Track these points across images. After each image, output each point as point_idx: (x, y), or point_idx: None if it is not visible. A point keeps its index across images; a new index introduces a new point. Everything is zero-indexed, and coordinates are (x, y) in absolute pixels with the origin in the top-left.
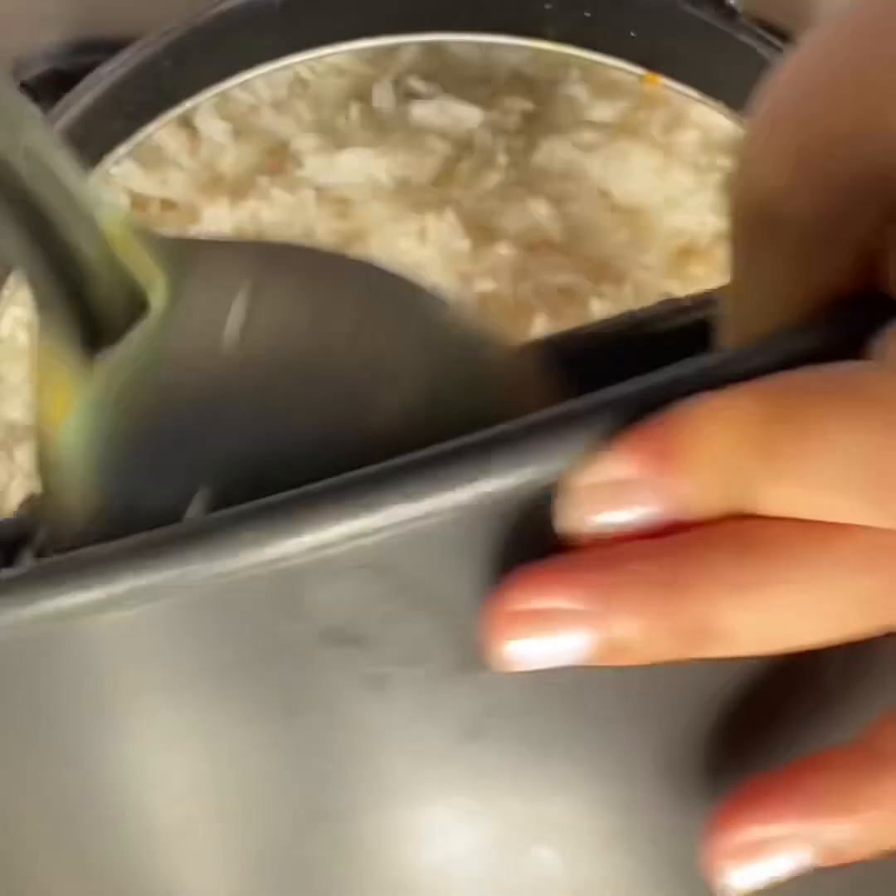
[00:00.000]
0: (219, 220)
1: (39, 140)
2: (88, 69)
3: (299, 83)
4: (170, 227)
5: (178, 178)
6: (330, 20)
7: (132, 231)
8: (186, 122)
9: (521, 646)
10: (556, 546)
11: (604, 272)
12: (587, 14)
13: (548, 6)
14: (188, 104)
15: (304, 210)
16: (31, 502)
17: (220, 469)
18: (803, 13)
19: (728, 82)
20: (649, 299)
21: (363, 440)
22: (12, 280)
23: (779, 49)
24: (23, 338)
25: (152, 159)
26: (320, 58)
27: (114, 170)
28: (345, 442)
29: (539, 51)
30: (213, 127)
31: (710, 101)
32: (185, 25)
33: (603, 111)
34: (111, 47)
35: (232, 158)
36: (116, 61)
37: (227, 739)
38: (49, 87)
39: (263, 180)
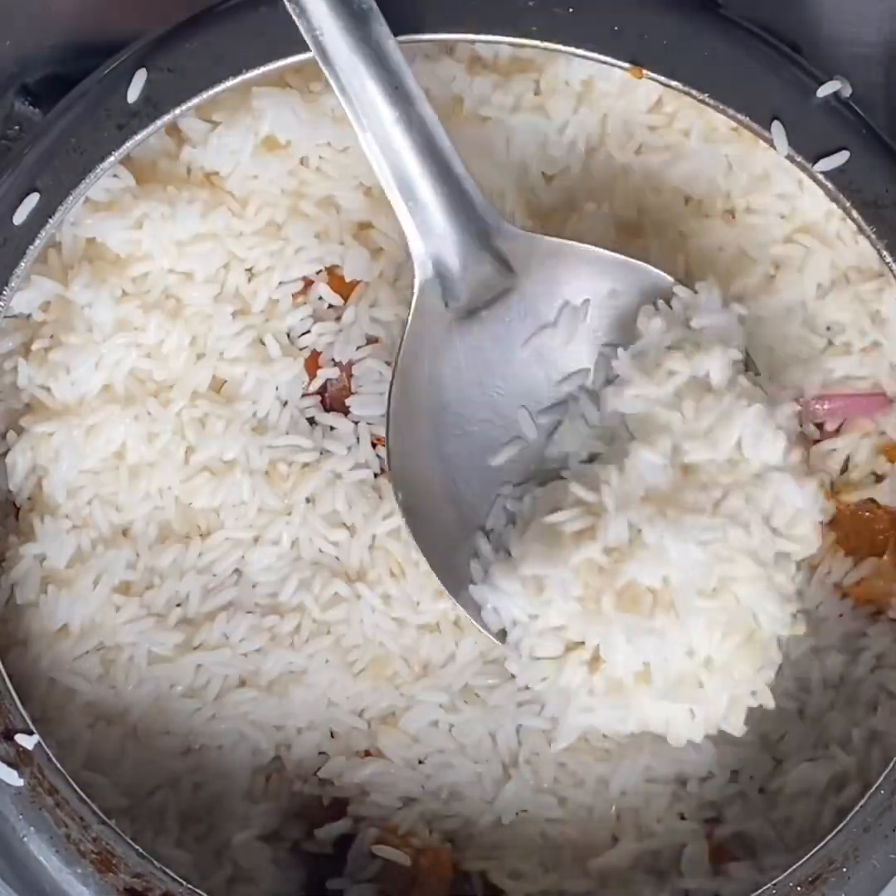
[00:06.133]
0: (202, 219)
1: None
2: (90, 73)
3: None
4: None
5: (167, 179)
6: None
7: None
8: (173, 127)
9: None
10: None
11: None
12: (570, 9)
13: (531, 3)
14: (176, 111)
15: None
16: None
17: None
18: (785, 4)
19: (712, 74)
20: None
21: None
22: (13, 281)
23: (763, 40)
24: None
25: (141, 162)
26: (309, 61)
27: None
28: None
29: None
30: (196, 127)
31: (694, 93)
32: (171, 30)
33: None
34: (113, 52)
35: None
36: (105, 68)
37: None
38: (51, 90)
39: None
